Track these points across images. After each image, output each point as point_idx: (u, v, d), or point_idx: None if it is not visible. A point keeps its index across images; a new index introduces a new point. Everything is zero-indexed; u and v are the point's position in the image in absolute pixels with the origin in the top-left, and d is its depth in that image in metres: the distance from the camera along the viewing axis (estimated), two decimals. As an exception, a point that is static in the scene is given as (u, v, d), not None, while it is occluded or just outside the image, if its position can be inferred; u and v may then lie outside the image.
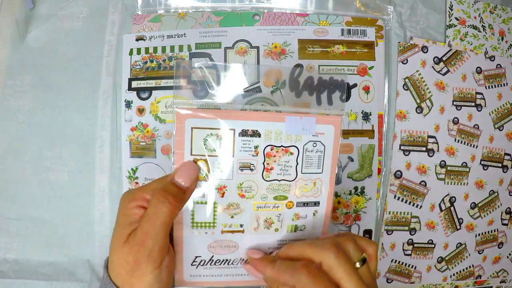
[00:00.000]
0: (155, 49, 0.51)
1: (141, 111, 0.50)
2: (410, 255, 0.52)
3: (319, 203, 0.34)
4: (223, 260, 0.34)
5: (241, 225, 0.33)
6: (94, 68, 0.52)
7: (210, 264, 0.34)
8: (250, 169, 0.32)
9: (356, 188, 0.51)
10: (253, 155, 0.32)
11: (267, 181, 0.32)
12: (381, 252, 0.51)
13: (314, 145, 0.33)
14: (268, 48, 0.51)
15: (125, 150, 0.50)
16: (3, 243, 0.50)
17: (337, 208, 0.50)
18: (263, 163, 0.32)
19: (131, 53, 0.51)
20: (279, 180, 0.33)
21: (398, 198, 0.52)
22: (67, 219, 0.50)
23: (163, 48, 0.51)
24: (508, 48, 0.55)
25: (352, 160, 0.50)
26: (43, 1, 0.53)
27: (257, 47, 0.51)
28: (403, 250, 0.52)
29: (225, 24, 0.51)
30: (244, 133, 0.31)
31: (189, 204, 0.31)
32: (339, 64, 0.51)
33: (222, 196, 0.32)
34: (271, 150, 0.32)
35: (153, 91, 0.50)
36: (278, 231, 0.34)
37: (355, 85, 0.51)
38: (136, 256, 0.28)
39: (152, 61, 0.51)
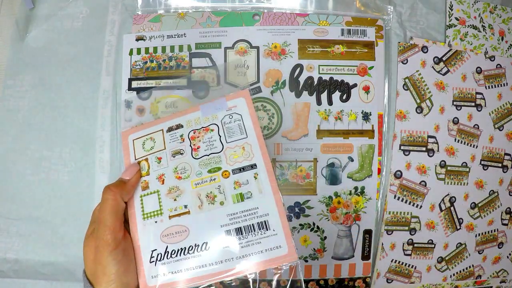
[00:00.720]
0: (155, 49, 0.51)
1: (141, 111, 0.50)
2: (410, 255, 0.52)
3: (256, 165, 0.36)
4: (178, 250, 0.34)
5: (185, 206, 0.36)
6: (94, 68, 0.52)
7: (167, 257, 0.34)
8: (181, 153, 0.37)
9: (356, 188, 0.51)
10: (180, 142, 0.38)
11: (197, 159, 0.37)
12: (381, 252, 0.51)
13: (231, 117, 0.38)
14: (268, 48, 0.51)
15: (125, 150, 0.50)
16: (3, 243, 0.50)
17: (337, 208, 0.50)
18: (190, 146, 0.37)
19: (131, 53, 0.51)
20: (208, 155, 0.37)
21: (398, 198, 0.52)
22: (67, 219, 0.50)
23: (163, 48, 0.51)
24: (508, 48, 0.55)
25: (352, 160, 0.50)
26: (43, 1, 0.53)
27: (257, 47, 0.51)
28: (403, 250, 0.52)
29: (225, 24, 0.51)
30: (170, 129, 0.38)
31: (139, 199, 0.36)
32: (339, 64, 0.51)
33: (163, 183, 0.36)
34: (194, 133, 0.38)
35: (153, 91, 0.50)
36: (224, 204, 0.35)
37: (355, 85, 0.51)
38: (96, 243, 0.33)
39: (152, 61, 0.51)
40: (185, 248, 0.34)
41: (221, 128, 0.38)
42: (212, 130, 0.38)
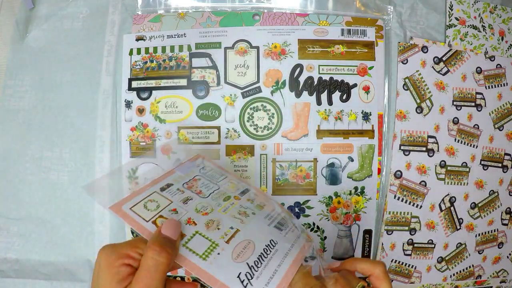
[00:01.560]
0: (155, 49, 0.51)
1: (141, 111, 0.50)
2: (410, 255, 0.52)
3: (248, 189, 0.43)
4: (259, 258, 0.35)
5: (231, 227, 0.36)
6: (94, 68, 0.52)
7: (255, 270, 0.34)
8: (190, 199, 0.38)
9: (356, 188, 0.51)
10: (182, 193, 0.39)
11: (207, 197, 0.39)
12: (381, 252, 0.51)
13: (204, 169, 0.43)
14: (268, 48, 0.51)
15: (125, 150, 0.50)
16: (3, 243, 0.51)
17: (337, 208, 0.50)
18: (193, 192, 0.39)
19: (131, 53, 0.51)
20: (212, 192, 0.40)
21: (398, 198, 0.52)
22: (67, 219, 0.51)
23: (163, 48, 0.51)
24: (508, 48, 0.55)
25: (352, 160, 0.50)
26: (43, 1, 0.53)
27: (257, 47, 0.51)
28: (403, 250, 0.52)
29: (225, 24, 0.51)
30: (162, 189, 0.39)
31: (184, 249, 0.34)
32: (339, 64, 0.51)
33: (195, 224, 0.36)
34: (187, 184, 0.40)
35: (153, 91, 0.50)
36: (256, 213, 0.39)
37: (355, 85, 0.51)
38: None
39: (152, 61, 0.51)
40: (262, 253, 0.35)
41: (204, 177, 0.42)
42: (200, 179, 0.41)
